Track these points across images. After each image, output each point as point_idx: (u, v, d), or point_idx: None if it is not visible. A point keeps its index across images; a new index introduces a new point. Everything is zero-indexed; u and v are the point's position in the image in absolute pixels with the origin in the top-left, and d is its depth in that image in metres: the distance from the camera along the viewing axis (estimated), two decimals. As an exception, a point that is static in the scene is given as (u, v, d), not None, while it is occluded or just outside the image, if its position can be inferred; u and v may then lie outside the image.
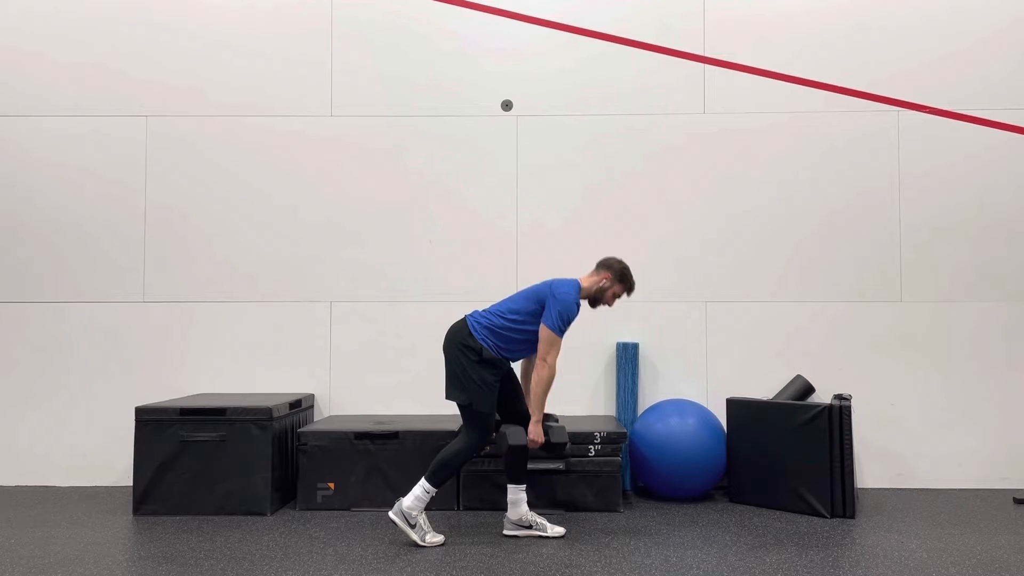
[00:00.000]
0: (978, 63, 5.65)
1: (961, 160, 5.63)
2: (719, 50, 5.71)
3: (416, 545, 4.18)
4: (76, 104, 5.76)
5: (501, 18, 5.76)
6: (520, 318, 4.24)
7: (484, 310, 4.37)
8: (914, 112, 5.65)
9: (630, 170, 5.71)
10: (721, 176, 5.69)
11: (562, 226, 5.71)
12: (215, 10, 5.79)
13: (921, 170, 5.63)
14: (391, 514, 4.26)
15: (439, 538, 4.25)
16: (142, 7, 5.79)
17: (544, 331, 4.18)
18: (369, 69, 5.76)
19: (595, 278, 4.42)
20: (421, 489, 4.24)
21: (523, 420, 4.36)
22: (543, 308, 4.22)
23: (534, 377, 4.22)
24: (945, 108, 5.65)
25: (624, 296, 4.49)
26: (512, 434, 4.22)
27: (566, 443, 4.32)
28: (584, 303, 4.38)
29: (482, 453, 4.56)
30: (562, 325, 4.19)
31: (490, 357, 4.23)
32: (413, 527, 4.22)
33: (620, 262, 4.45)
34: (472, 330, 4.26)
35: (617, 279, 4.41)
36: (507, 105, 5.74)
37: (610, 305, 4.48)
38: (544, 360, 4.17)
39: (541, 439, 4.23)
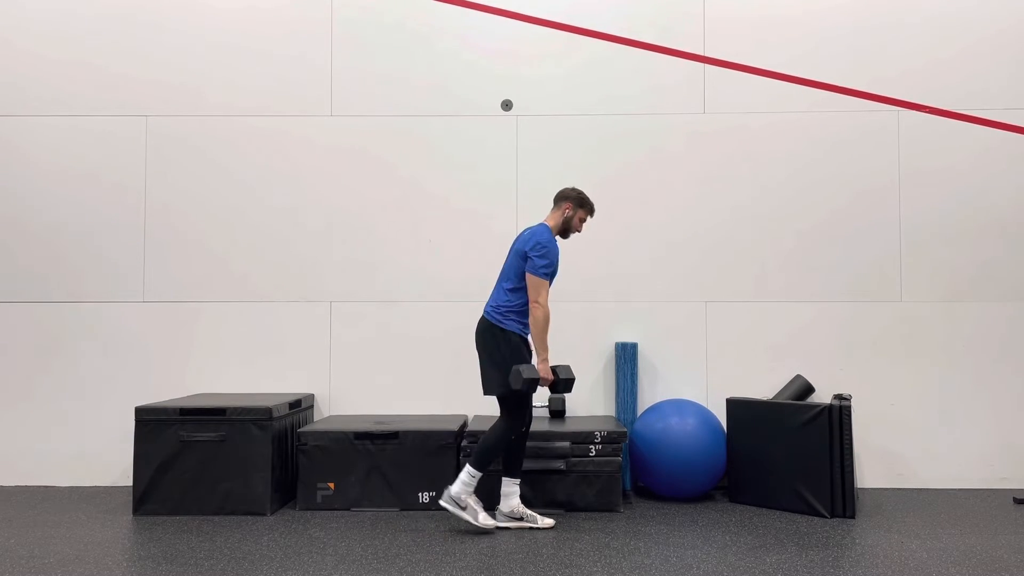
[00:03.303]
0: (978, 63, 5.65)
1: (961, 160, 5.63)
2: (719, 50, 5.71)
3: (472, 525, 4.38)
4: (76, 104, 5.76)
5: (501, 18, 5.76)
6: (521, 284, 4.46)
7: (490, 301, 4.57)
8: (914, 112, 5.65)
9: (630, 170, 5.71)
10: (721, 176, 5.69)
11: (562, 226, 5.70)
12: (215, 10, 5.79)
13: (921, 170, 5.64)
14: (442, 502, 4.45)
15: (492, 522, 4.43)
16: (142, 7, 5.79)
17: (530, 278, 4.41)
18: (369, 69, 5.76)
19: (558, 213, 4.64)
20: (467, 475, 4.43)
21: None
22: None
23: (530, 319, 4.41)
24: (945, 108, 5.65)
25: (589, 218, 4.68)
26: (526, 369, 4.38)
27: (573, 379, 4.55)
28: (558, 239, 4.60)
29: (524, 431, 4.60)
30: (546, 269, 4.41)
31: (518, 341, 4.44)
32: (464, 509, 4.40)
33: (574, 189, 4.68)
34: (492, 320, 4.48)
35: (577, 205, 4.63)
36: (507, 105, 5.74)
37: (579, 231, 4.69)
38: (536, 302, 4.38)
39: (550, 376, 4.45)
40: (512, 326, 4.44)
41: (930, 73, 5.67)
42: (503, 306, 4.47)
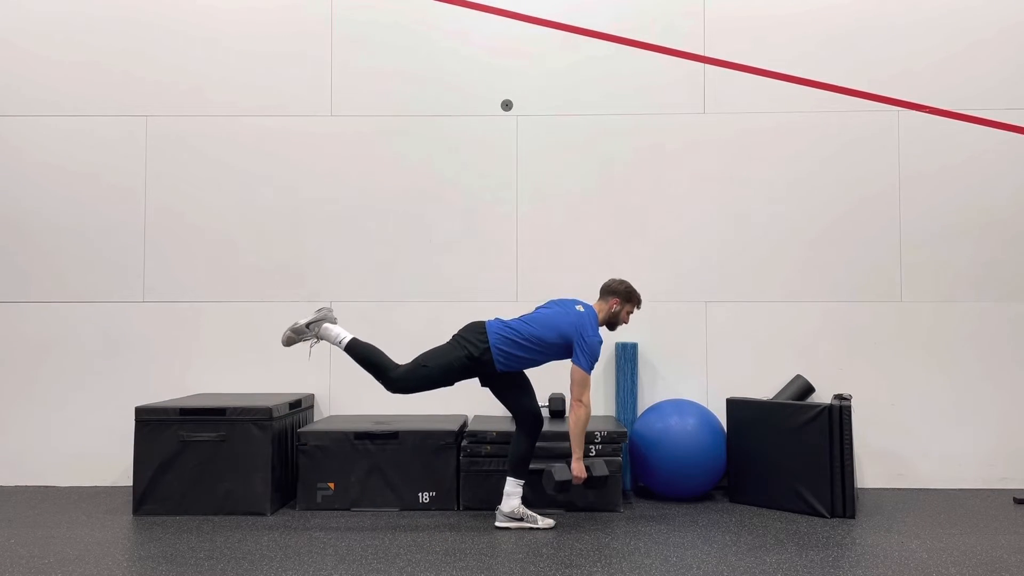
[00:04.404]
0: (978, 63, 5.65)
1: (961, 160, 5.63)
2: (719, 50, 5.71)
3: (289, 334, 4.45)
4: (76, 104, 5.76)
5: (501, 18, 5.76)
6: (540, 346, 4.43)
7: (505, 321, 4.51)
8: (914, 112, 5.65)
9: (630, 170, 5.71)
10: (721, 176, 5.69)
11: (562, 226, 5.71)
12: (215, 10, 5.79)
13: (921, 170, 5.64)
14: (290, 330, 4.45)
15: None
16: (142, 7, 5.79)
17: (577, 372, 4.39)
18: (369, 69, 5.76)
19: (605, 307, 4.63)
20: (338, 331, 4.45)
21: (530, 414, 4.53)
22: (564, 342, 4.41)
23: (572, 417, 4.43)
24: (945, 108, 5.65)
25: (636, 311, 4.71)
26: (558, 470, 4.44)
27: (607, 475, 4.53)
28: (603, 329, 4.60)
29: (391, 390, 4.54)
30: (593, 365, 4.41)
31: (484, 360, 4.39)
32: (296, 333, 4.43)
33: (622, 283, 4.67)
34: (488, 332, 4.43)
35: (625, 300, 4.65)
36: (507, 105, 5.74)
37: (627, 323, 4.72)
38: (580, 401, 4.41)
39: (584, 474, 4.44)
40: (496, 353, 4.38)
41: (930, 73, 5.66)
42: (508, 335, 4.39)
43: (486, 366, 4.42)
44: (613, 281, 4.67)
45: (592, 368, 4.40)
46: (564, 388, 4.91)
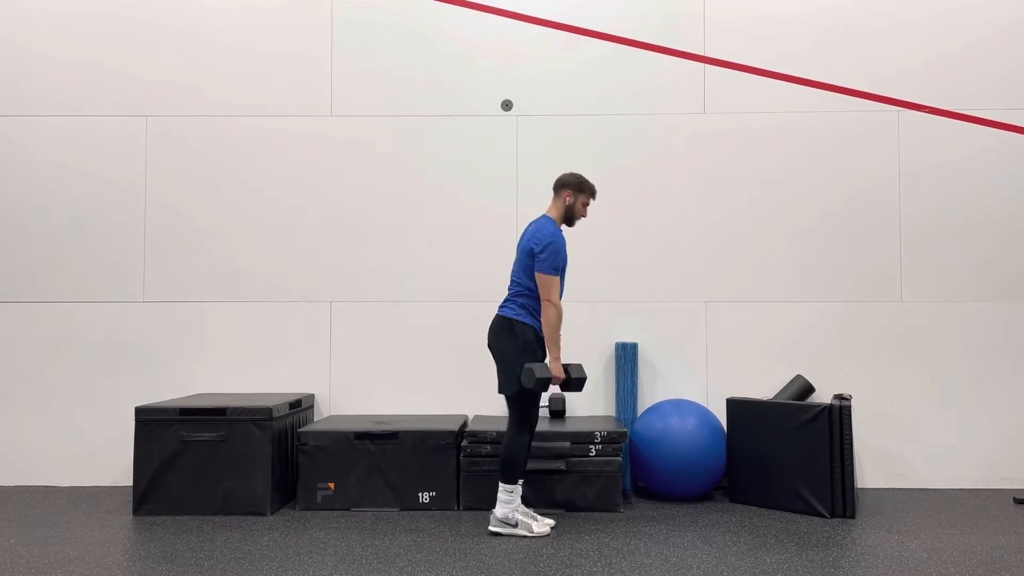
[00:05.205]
0: (978, 63, 5.65)
1: (961, 160, 5.63)
2: (719, 50, 5.71)
3: (528, 537, 4.32)
4: (76, 104, 5.76)
5: (502, 18, 5.76)
6: (532, 283, 4.40)
7: (502, 303, 4.52)
8: (914, 112, 5.65)
9: (630, 170, 5.71)
10: (721, 175, 5.69)
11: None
12: (215, 10, 5.80)
13: (921, 169, 5.64)
14: (491, 528, 4.40)
15: (546, 527, 4.40)
16: (142, 7, 5.79)
17: (540, 277, 4.35)
18: (369, 69, 5.76)
19: (559, 202, 4.57)
20: (503, 492, 4.37)
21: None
22: None
23: (543, 319, 4.36)
24: (945, 108, 5.65)
25: (592, 201, 4.59)
26: (538, 368, 4.33)
27: (585, 378, 4.51)
28: (564, 227, 4.56)
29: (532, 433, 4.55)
30: (554, 266, 4.35)
31: (532, 337, 4.38)
32: (516, 526, 4.35)
33: (571, 174, 4.60)
34: (507, 316, 4.42)
35: (577, 190, 4.55)
36: (507, 105, 5.74)
37: (584, 216, 4.62)
38: (548, 300, 4.33)
39: (562, 375, 4.40)
40: (528, 320, 4.38)
41: (930, 73, 5.67)
42: (517, 303, 4.43)
43: (538, 342, 4.37)
44: (563, 174, 4.59)
45: (555, 271, 4.34)
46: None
